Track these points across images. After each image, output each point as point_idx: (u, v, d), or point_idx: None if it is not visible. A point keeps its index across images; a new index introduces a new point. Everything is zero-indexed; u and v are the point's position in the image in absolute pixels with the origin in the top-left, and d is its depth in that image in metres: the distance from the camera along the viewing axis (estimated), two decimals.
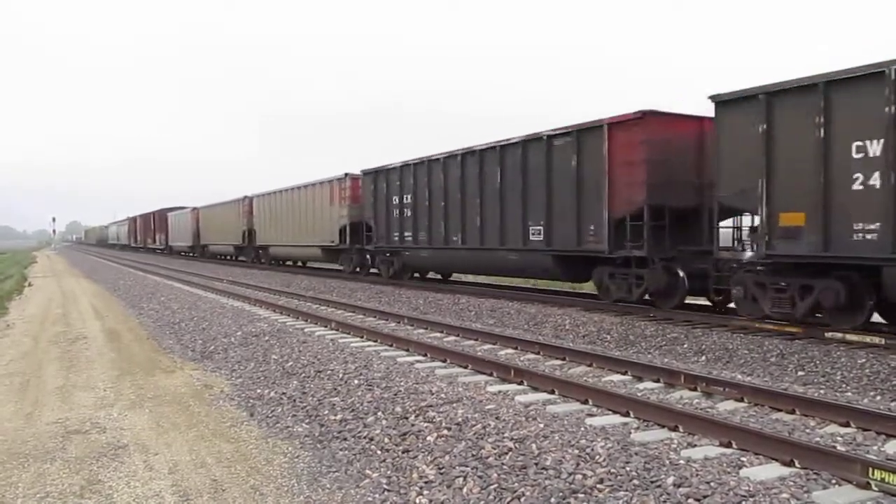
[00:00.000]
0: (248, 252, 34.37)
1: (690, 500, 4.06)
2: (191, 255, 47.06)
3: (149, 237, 58.92)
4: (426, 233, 17.82)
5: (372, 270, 22.97)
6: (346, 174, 22.71)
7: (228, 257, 40.25)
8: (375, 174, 20.36)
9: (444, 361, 8.74)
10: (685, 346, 9.83)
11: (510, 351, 9.67)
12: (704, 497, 4.07)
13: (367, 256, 22.62)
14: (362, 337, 10.84)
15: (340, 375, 7.77)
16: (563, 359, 8.91)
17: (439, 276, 21.33)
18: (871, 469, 4.37)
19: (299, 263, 30.97)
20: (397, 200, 19.23)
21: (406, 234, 18.85)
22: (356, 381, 7.40)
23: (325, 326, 12.13)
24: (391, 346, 10.04)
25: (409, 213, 18.67)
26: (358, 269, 23.34)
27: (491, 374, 7.92)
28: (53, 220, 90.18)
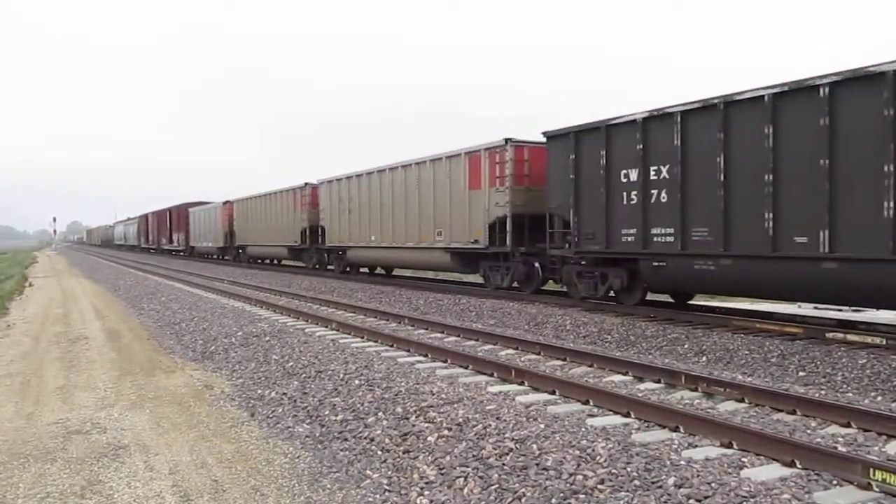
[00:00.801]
0: (309, 255, 26.91)
1: (691, 501, 4.05)
2: (221, 258, 40.00)
3: (164, 237, 51.34)
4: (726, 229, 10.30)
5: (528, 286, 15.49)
6: (508, 140, 15.13)
7: (275, 262, 33.01)
8: (595, 132, 12.45)
9: (445, 362, 8.74)
10: (686, 346, 9.83)
11: (511, 351, 9.67)
12: (705, 498, 4.07)
13: (536, 265, 15.17)
14: (363, 337, 10.84)
15: (341, 376, 7.77)
16: (564, 359, 8.91)
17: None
18: (872, 470, 4.37)
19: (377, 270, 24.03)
20: (635, 176, 11.68)
21: (659, 231, 11.38)
22: (357, 382, 7.40)
23: (326, 327, 12.13)
24: (392, 346, 10.04)
25: (674, 194, 11.08)
26: (517, 284, 15.68)
27: (492, 375, 7.92)
28: (54, 220, 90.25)
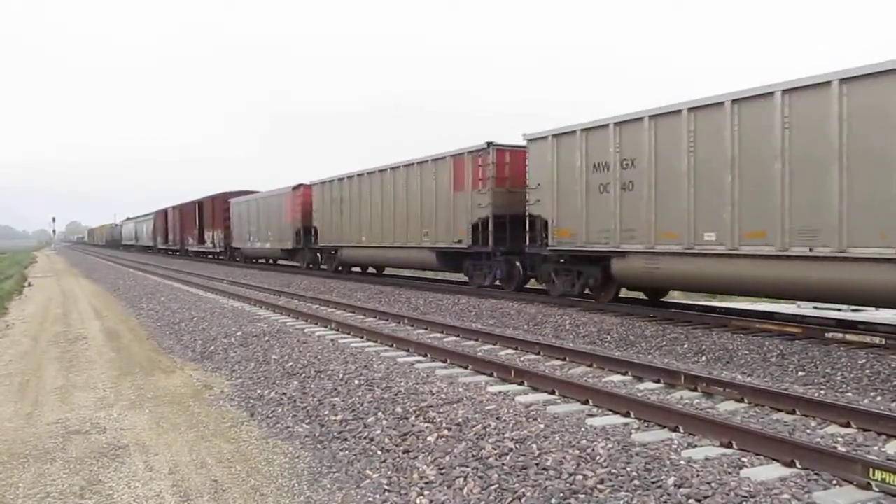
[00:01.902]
0: (487, 266, 16.40)
1: (691, 501, 4.05)
2: (271, 264, 31.38)
3: (191, 236, 40.83)
4: None
5: None
6: None
7: (374, 270, 23.52)
8: None
9: (445, 362, 8.74)
10: (685, 346, 9.83)
11: (510, 351, 9.67)
12: (705, 498, 4.07)
13: None
14: (362, 337, 10.83)
15: (341, 376, 7.77)
16: (564, 359, 8.90)
17: None
18: (871, 469, 4.37)
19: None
20: None
21: None
22: (356, 382, 7.40)
23: (326, 327, 12.13)
24: (391, 346, 10.03)
25: None
26: None
27: (491, 375, 7.92)
28: (53, 220, 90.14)
